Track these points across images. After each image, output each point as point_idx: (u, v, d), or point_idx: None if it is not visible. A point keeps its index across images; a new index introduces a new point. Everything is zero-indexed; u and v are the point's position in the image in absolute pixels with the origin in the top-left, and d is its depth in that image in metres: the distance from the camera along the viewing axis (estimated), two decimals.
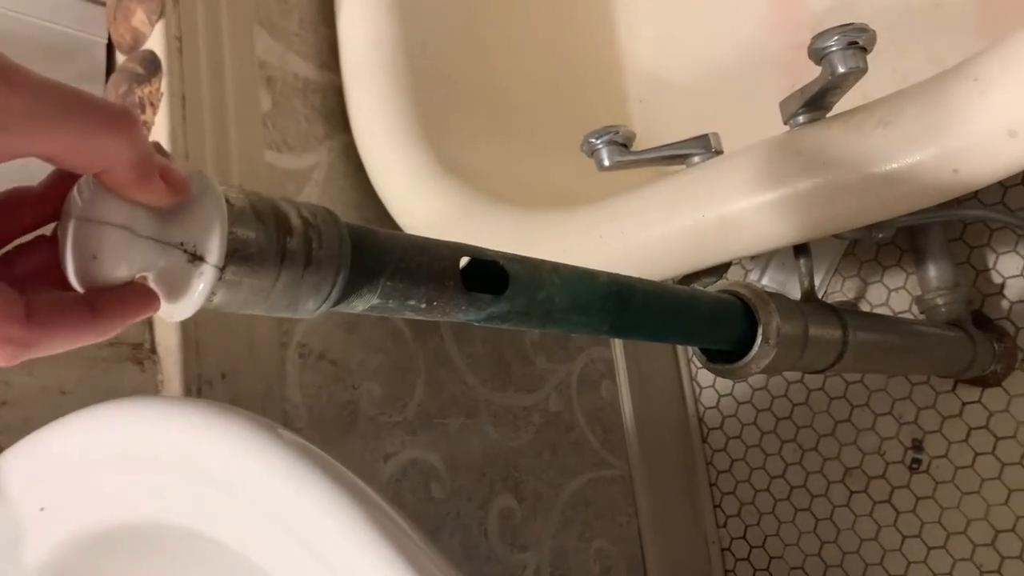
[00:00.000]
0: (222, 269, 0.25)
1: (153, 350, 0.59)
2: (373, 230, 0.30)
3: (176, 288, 0.26)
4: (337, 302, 0.29)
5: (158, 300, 0.27)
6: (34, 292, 0.26)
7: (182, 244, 0.26)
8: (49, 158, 0.24)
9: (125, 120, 0.24)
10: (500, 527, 0.79)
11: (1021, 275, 0.87)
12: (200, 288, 0.25)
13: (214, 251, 0.25)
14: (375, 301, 0.30)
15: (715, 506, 1.06)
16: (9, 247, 0.27)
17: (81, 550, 0.38)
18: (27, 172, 0.27)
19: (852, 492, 0.97)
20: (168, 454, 0.33)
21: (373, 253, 0.30)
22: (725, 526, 1.05)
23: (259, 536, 0.31)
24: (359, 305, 0.30)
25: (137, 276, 0.26)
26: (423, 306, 0.31)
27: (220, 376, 0.60)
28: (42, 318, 0.25)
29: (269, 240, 0.26)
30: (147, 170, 0.25)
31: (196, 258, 0.25)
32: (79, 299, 0.26)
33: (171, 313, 0.27)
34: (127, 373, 0.57)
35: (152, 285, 0.27)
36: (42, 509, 0.39)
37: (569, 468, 0.88)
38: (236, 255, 0.26)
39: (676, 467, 1.03)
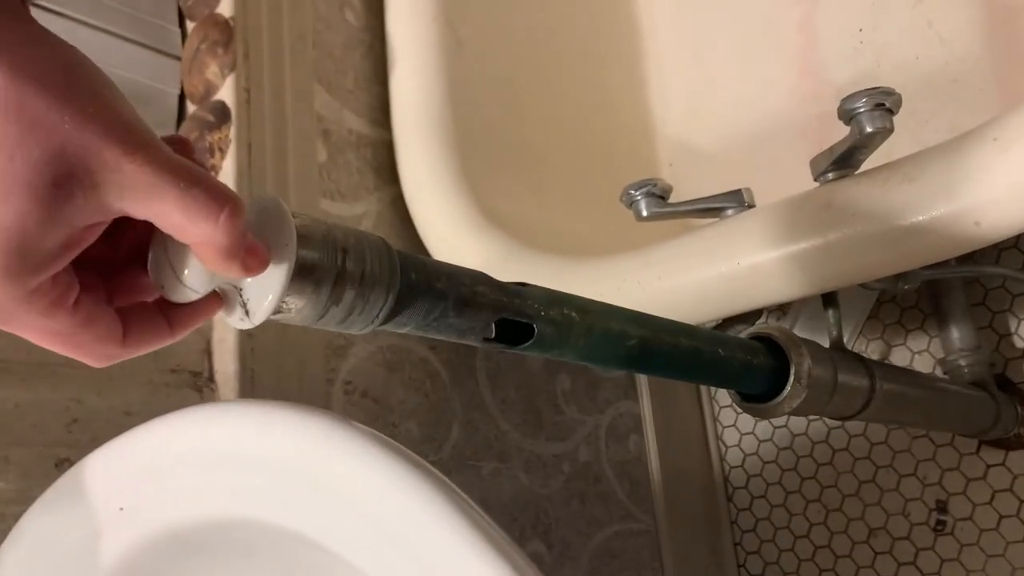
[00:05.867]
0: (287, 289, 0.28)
1: (211, 378, 0.62)
2: (420, 257, 0.33)
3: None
4: (385, 321, 0.32)
5: (221, 303, 0.30)
6: (121, 302, 0.29)
7: None
8: (148, 219, 0.26)
9: (221, 210, 0.26)
10: None
11: None
12: (268, 299, 0.28)
13: (283, 266, 0.28)
14: (418, 322, 0.33)
15: (739, 565, 1.06)
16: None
17: (158, 550, 0.40)
18: None
19: (877, 553, 0.97)
20: (253, 451, 0.36)
21: (420, 276, 0.32)
22: None
23: (356, 536, 0.33)
24: (407, 325, 0.32)
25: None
26: (454, 335, 0.34)
27: None
28: (135, 338, 0.28)
29: (330, 261, 0.29)
30: (232, 256, 0.27)
31: None
32: (157, 311, 0.29)
33: (240, 323, 0.30)
34: (187, 398, 0.60)
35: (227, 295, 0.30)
36: (121, 509, 0.41)
37: (597, 519, 0.90)
38: (300, 272, 0.28)
39: (701, 524, 1.03)
